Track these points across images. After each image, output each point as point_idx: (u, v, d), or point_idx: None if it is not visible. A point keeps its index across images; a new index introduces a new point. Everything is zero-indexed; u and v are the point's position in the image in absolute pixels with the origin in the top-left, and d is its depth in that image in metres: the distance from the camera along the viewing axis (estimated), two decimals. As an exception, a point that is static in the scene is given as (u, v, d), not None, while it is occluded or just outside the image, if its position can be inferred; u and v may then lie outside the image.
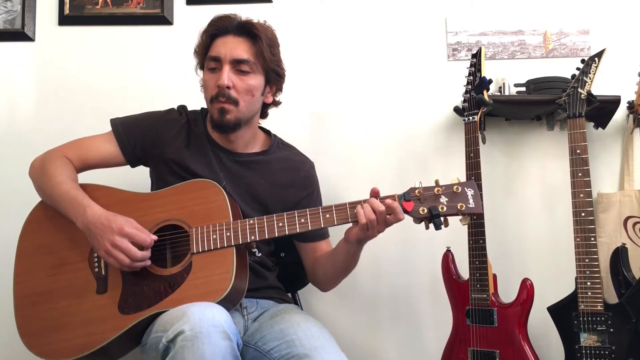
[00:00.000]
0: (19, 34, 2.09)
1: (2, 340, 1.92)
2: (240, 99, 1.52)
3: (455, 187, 1.38)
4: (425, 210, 1.37)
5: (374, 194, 1.40)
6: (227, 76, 1.50)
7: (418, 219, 1.39)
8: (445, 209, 1.37)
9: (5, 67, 2.10)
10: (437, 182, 1.41)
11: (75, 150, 1.59)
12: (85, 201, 1.45)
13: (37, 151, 1.62)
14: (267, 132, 1.71)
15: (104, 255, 1.39)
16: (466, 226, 1.73)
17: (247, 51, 1.53)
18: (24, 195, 1.57)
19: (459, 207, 1.36)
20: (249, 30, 1.54)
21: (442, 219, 1.37)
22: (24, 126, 2.08)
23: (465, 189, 1.38)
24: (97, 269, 1.45)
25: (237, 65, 1.52)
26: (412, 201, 1.38)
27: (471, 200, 1.37)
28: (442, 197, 1.37)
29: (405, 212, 1.38)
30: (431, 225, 1.38)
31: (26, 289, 1.48)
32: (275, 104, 1.66)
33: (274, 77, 1.59)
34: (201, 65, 1.61)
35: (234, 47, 1.52)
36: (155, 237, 1.40)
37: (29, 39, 2.10)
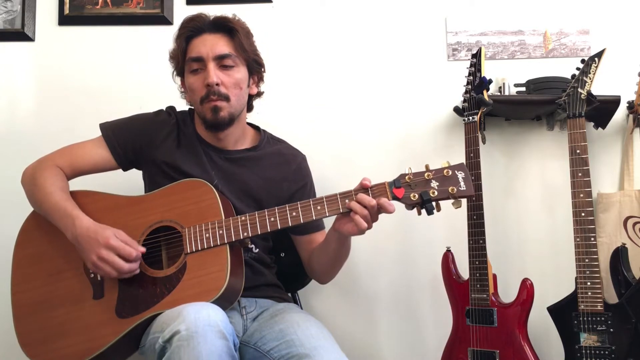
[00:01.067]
0: (19, 34, 2.08)
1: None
2: (230, 94, 1.52)
3: (445, 170, 1.36)
4: (417, 196, 1.35)
5: (364, 186, 1.38)
6: (215, 73, 1.50)
7: (410, 205, 1.37)
8: (436, 193, 1.35)
9: (5, 67, 2.10)
10: (427, 166, 1.39)
11: (66, 157, 1.58)
12: (74, 212, 1.44)
13: (37, 151, 1.62)
14: (256, 127, 1.71)
15: (92, 268, 1.40)
16: (466, 226, 1.73)
17: (228, 45, 1.53)
18: (24, 195, 1.56)
19: (450, 191, 1.35)
20: (224, 25, 1.54)
21: (433, 204, 1.35)
22: (24, 126, 2.07)
23: (456, 172, 1.36)
24: (92, 275, 1.45)
25: (221, 61, 1.52)
26: (403, 188, 1.36)
27: (462, 183, 1.35)
28: (433, 181, 1.36)
29: (396, 199, 1.36)
30: (423, 211, 1.36)
31: (24, 299, 1.48)
32: (259, 94, 1.66)
33: (256, 67, 1.60)
34: (179, 70, 1.60)
35: (214, 43, 1.52)
36: (143, 249, 1.41)
37: (29, 39, 2.10)
